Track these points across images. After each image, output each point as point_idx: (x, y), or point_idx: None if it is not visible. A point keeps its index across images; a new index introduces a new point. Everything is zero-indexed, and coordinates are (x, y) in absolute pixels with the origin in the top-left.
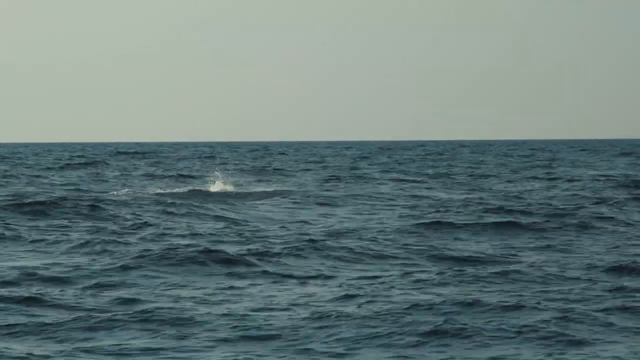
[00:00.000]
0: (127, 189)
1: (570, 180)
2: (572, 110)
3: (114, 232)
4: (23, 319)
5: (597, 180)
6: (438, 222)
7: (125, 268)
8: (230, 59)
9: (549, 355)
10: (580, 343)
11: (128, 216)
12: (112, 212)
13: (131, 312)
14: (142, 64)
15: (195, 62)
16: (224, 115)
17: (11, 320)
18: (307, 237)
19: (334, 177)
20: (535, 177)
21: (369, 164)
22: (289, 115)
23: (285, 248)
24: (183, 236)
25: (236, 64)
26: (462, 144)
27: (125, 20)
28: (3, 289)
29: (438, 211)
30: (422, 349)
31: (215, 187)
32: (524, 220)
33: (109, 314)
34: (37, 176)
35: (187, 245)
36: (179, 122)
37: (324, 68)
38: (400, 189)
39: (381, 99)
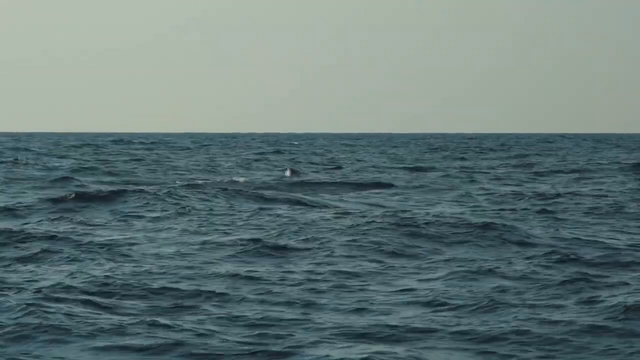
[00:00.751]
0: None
1: None
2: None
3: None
4: None
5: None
6: None
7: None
8: (228, 54)
9: None
10: None
11: (243, 206)
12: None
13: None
14: (136, 58)
15: (190, 57)
16: (217, 108)
17: None
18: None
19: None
20: None
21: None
22: (284, 108)
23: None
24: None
25: (234, 59)
26: (466, 137)
27: (123, 15)
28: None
29: None
30: None
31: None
32: None
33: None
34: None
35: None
36: (172, 114)
37: (322, 63)
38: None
39: (377, 93)
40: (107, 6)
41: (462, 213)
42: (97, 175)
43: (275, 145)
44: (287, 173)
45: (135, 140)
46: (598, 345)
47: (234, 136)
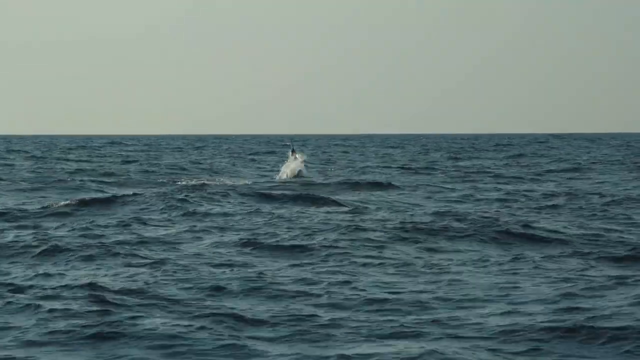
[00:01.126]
0: (194, 179)
1: None
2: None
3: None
4: None
5: None
6: None
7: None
8: (224, 55)
9: None
10: None
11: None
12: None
13: None
14: (132, 59)
15: (186, 58)
16: (211, 109)
17: None
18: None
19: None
20: None
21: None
22: (277, 109)
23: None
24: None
25: (229, 59)
26: (458, 137)
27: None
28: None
29: None
30: None
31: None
32: None
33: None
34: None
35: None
36: (165, 115)
37: (315, 64)
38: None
39: (371, 94)
40: (104, 7)
41: (462, 211)
42: (95, 176)
43: (268, 146)
44: (290, 157)
45: (128, 142)
46: (599, 340)
47: (226, 137)
